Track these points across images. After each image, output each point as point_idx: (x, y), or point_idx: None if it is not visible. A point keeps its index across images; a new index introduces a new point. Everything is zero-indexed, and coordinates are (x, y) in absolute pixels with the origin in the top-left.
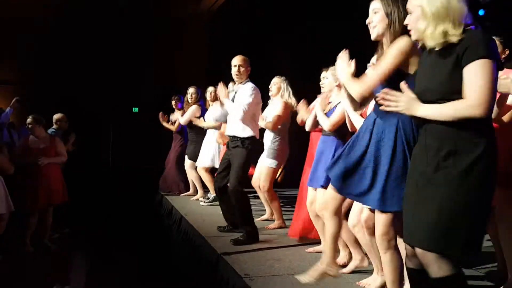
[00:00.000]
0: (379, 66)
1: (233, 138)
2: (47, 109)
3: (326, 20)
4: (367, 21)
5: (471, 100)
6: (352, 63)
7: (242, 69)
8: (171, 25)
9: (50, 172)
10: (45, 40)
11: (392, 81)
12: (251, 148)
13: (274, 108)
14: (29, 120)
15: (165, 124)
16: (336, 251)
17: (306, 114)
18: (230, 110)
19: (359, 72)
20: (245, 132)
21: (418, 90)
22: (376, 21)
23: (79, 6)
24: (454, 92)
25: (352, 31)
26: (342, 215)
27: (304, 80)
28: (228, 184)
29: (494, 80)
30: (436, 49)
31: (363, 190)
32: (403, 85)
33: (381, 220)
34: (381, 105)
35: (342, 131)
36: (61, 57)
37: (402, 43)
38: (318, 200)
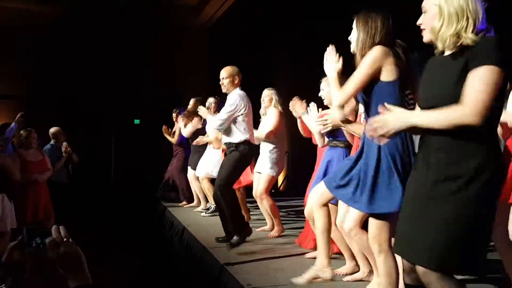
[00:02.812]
0: (354, 76)
1: (229, 144)
2: (48, 122)
3: (326, 20)
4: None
5: (467, 108)
6: (340, 59)
7: (225, 81)
8: (171, 32)
9: (39, 188)
10: (45, 51)
11: (368, 89)
12: (245, 152)
13: (269, 120)
14: (34, 134)
15: (167, 136)
16: (329, 251)
17: (301, 110)
18: (212, 124)
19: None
20: (238, 137)
21: (423, 96)
22: (352, 38)
23: (80, 19)
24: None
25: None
26: (359, 225)
27: (303, 81)
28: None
29: (497, 89)
30: (446, 54)
31: (353, 194)
32: (384, 107)
33: (372, 223)
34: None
35: (348, 141)
36: (61, 71)
37: (374, 52)
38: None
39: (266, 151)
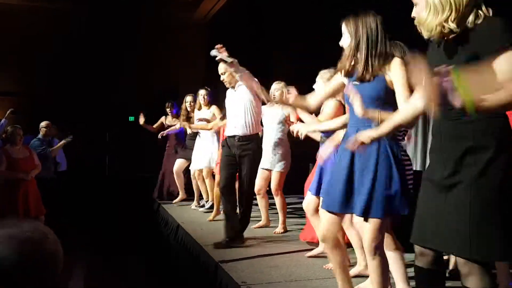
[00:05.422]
0: (404, 86)
1: (240, 138)
2: (43, 119)
3: (325, 14)
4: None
5: None
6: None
7: (224, 76)
8: (168, 28)
9: (28, 184)
10: (44, 48)
11: (372, 94)
12: (255, 148)
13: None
14: (20, 131)
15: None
16: (350, 283)
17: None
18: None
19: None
20: (250, 130)
21: None
22: (344, 43)
23: (78, 15)
24: None
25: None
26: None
27: (302, 75)
28: (235, 184)
29: None
30: (448, 38)
31: (349, 199)
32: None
33: (369, 226)
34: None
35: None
36: (58, 68)
37: (401, 64)
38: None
39: (272, 148)
